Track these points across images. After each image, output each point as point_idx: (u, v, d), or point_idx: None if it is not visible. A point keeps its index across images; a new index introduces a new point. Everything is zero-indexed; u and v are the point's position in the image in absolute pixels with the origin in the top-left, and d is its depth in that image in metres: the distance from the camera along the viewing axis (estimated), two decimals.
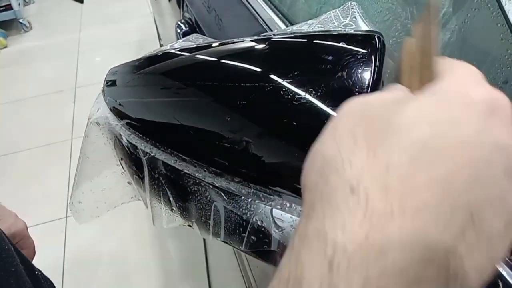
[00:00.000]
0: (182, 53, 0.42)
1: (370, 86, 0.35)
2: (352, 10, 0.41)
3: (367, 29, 0.40)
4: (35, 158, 2.41)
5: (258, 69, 0.38)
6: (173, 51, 0.43)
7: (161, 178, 0.40)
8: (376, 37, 0.37)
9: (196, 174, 0.38)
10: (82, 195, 0.48)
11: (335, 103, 0.35)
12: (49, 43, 3.64)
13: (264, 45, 0.40)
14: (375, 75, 0.36)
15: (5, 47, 3.59)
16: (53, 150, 2.46)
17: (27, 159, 2.41)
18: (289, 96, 0.35)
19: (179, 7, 1.35)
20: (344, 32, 0.39)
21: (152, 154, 0.39)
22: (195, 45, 0.43)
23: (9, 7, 3.66)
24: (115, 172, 0.47)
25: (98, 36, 3.63)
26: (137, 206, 1.67)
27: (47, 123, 2.67)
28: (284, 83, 0.36)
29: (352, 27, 0.41)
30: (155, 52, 0.45)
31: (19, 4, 3.72)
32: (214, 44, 0.42)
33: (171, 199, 0.40)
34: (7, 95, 2.96)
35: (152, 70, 0.43)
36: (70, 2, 4.38)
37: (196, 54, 0.41)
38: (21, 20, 3.74)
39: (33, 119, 2.71)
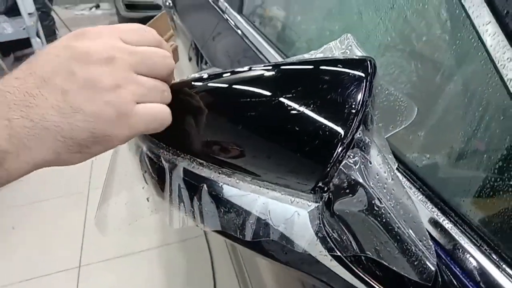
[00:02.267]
0: (199, 83, 0.49)
1: (363, 100, 0.41)
2: (348, 40, 0.48)
3: (361, 54, 0.46)
4: (51, 209, 2.47)
5: (268, 89, 0.44)
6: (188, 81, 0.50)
7: (179, 183, 0.45)
8: (368, 60, 0.43)
9: (211, 176, 0.44)
10: (107, 208, 0.53)
11: (332, 115, 0.41)
12: None
13: (273, 71, 0.47)
14: (367, 91, 0.41)
15: None
16: (70, 201, 2.52)
17: (43, 209, 2.46)
18: (292, 108, 0.41)
19: (198, 65, 1.45)
20: (341, 57, 0.46)
21: (172, 161, 0.46)
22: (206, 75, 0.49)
23: None
24: (138, 186, 0.52)
25: None
26: (152, 254, 1.71)
27: (65, 175, 2.75)
28: (288, 99, 0.42)
29: (348, 54, 0.47)
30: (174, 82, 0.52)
31: None
32: (228, 72, 0.49)
33: (186, 200, 0.45)
34: None
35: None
36: None
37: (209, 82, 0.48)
38: None
39: (51, 172, 2.79)
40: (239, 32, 1.23)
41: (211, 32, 1.42)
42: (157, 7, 4.72)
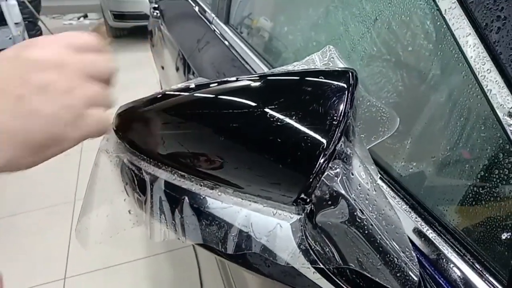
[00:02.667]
0: (181, 93, 0.49)
1: (345, 111, 0.41)
2: (330, 52, 0.48)
3: (343, 66, 0.46)
4: (38, 219, 2.43)
5: (250, 100, 0.44)
6: (170, 92, 0.49)
7: (160, 195, 0.45)
8: (350, 72, 0.44)
9: (192, 189, 0.43)
10: (88, 221, 0.52)
11: (314, 126, 0.41)
12: None
13: (256, 82, 0.47)
14: (348, 102, 0.42)
15: None
16: (56, 212, 2.48)
17: (28, 221, 2.43)
18: (274, 120, 0.41)
19: (185, 75, 1.45)
20: (324, 69, 0.46)
21: (154, 173, 0.45)
22: (193, 85, 0.49)
23: None
24: (119, 198, 0.52)
25: None
26: (138, 266, 1.69)
27: (50, 186, 2.72)
28: (270, 110, 0.42)
29: (330, 65, 0.47)
30: (157, 93, 0.51)
31: None
32: (211, 84, 0.49)
33: (167, 213, 0.44)
34: None
35: (153, 107, 0.49)
36: None
37: (194, 93, 0.48)
38: None
39: (37, 183, 2.76)
40: (226, 42, 1.24)
41: (198, 42, 1.42)
42: (145, 17, 4.73)
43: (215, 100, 0.44)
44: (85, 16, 7.19)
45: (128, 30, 5.66)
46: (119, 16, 5.24)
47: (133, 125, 0.49)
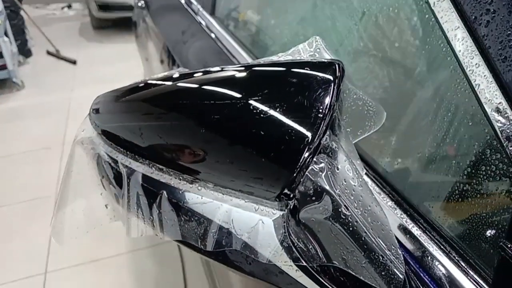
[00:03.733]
0: (161, 83, 0.47)
1: (330, 103, 0.40)
2: (317, 43, 0.46)
3: (330, 58, 0.45)
4: (18, 213, 2.38)
5: (233, 91, 0.42)
6: (150, 81, 0.47)
7: (138, 190, 0.43)
8: (336, 63, 0.42)
9: (171, 183, 0.41)
10: (63, 215, 0.50)
11: (299, 119, 0.39)
12: (41, 102, 3.71)
13: (240, 73, 0.45)
14: (335, 95, 0.40)
15: None
16: (37, 205, 2.44)
17: (10, 214, 2.38)
18: (257, 111, 0.39)
19: (169, 67, 1.43)
20: (309, 60, 0.44)
21: (131, 167, 0.43)
22: (173, 75, 0.47)
23: (3, 67, 3.77)
24: (96, 192, 0.50)
25: (90, 95, 3.69)
26: (121, 260, 1.67)
27: (32, 179, 2.66)
28: (253, 101, 0.40)
29: (316, 57, 0.46)
30: (136, 82, 0.49)
31: (13, 64, 3.83)
32: (194, 73, 0.47)
33: (144, 208, 0.43)
34: None
35: (132, 97, 0.47)
36: (63, 63, 4.53)
37: (175, 83, 0.46)
38: (14, 80, 3.84)
39: (19, 175, 2.71)
40: (211, 34, 1.21)
41: (183, 34, 1.39)
42: (130, 8, 4.66)
43: (196, 90, 0.43)
44: (69, 6, 7.05)
45: (113, 21, 5.56)
46: (104, 6, 5.15)
47: (110, 116, 0.47)
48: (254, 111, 0.39)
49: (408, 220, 0.49)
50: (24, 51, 4.56)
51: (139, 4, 2.22)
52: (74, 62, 4.50)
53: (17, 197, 2.49)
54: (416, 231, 0.48)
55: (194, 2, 1.55)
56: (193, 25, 1.40)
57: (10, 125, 3.35)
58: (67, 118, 3.41)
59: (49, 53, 4.74)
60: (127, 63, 4.39)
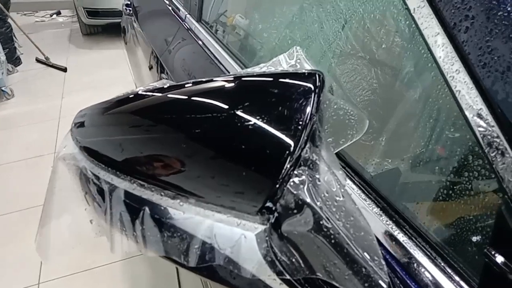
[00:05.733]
0: (141, 96, 0.46)
1: (311, 114, 0.40)
2: (297, 53, 0.46)
3: (310, 68, 0.45)
4: (11, 223, 2.36)
5: (213, 104, 0.42)
6: (129, 95, 0.47)
7: (120, 206, 0.43)
8: (317, 74, 0.42)
9: (153, 199, 0.41)
10: (48, 231, 0.49)
11: (279, 130, 0.39)
12: (31, 110, 3.69)
13: (220, 84, 0.45)
14: (315, 105, 0.40)
15: None
16: (31, 214, 2.42)
17: (3, 224, 2.36)
18: (238, 124, 0.39)
19: (157, 73, 1.42)
20: (290, 71, 0.44)
21: (113, 183, 0.43)
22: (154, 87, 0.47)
23: None
24: (80, 208, 0.49)
25: (81, 102, 3.68)
26: (114, 269, 1.65)
27: (24, 188, 2.64)
28: (233, 113, 0.40)
29: (297, 67, 0.46)
30: (120, 95, 0.49)
31: (2, 73, 3.81)
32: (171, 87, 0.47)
33: (127, 224, 0.42)
34: None
35: (111, 112, 0.47)
36: (54, 71, 4.51)
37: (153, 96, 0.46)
38: (3, 88, 3.81)
39: (10, 184, 2.69)
40: (199, 41, 1.21)
41: (170, 40, 1.39)
42: (119, 14, 4.63)
43: (175, 103, 0.43)
44: (58, 13, 7.02)
45: (102, 27, 5.55)
46: (93, 13, 5.13)
47: (90, 131, 0.46)
48: (234, 123, 0.39)
49: (394, 227, 0.49)
50: (13, 59, 4.53)
51: (127, 11, 2.21)
52: (64, 70, 4.48)
53: (10, 207, 2.47)
54: (401, 237, 0.48)
55: (181, 8, 1.55)
56: (180, 31, 1.39)
57: (1, 134, 3.33)
58: (58, 125, 3.39)
59: (38, 60, 4.71)
60: (117, 69, 4.38)
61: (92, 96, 3.73)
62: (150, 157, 0.42)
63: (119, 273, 2.00)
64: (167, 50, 1.33)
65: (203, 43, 1.17)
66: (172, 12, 1.62)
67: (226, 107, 0.40)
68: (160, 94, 0.44)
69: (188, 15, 1.43)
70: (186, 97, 0.43)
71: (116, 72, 4.30)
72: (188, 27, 1.37)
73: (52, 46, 5.10)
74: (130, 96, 0.46)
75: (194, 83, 0.45)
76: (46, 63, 4.64)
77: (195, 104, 0.42)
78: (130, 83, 3.94)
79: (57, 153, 0.49)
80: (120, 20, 3.50)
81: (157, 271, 1.99)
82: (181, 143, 0.40)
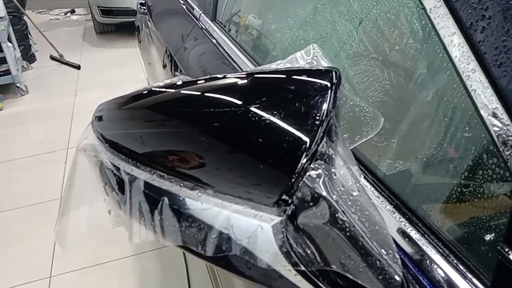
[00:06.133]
0: (162, 91, 0.48)
1: (327, 110, 0.40)
2: (314, 51, 0.47)
3: (326, 65, 0.46)
4: (23, 217, 2.40)
5: (231, 99, 0.43)
6: (151, 89, 0.48)
7: (139, 196, 0.44)
8: (333, 71, 0.43)
9: (172, 189, 0.42)
10: (67, 221, 0.51)
11: (296, 126, 0.40)
12: (44, 107, 3.74)
13: (238, 81, 0.46)
14: (331, 102, 0.41)
15: (0, 109, 3.68)
16: (42, 209, 2.45)
17: (15, 218, 2.39)
18: (255, 119, 0.40)
19: (171, 72, 1.44)
20: (307, 68, 0.45)
21: (133, 174, 0.44)
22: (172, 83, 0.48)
23: (7, 72, 3.80)
24: (99, 198, 0.50)
25: (94, 100, 3.73)
26: (125, 264, 1.67)
27: (37, 183, 2.68)
28: (251, 109, 0.41)
29: (314, 64, 0.47)
30: (138, 90, 0.50)
31: (17, 70, 3.86)
32: (187, 83, 0.48)
33: (146, 214, 0.43)
34: None
35: (134, 105, 0.48)
36: (67, 68, 4.56)
37: (175, 91, 0.47)
38: (18, 85, 3.87)
39: (23, 179, 2.73)
40: (212, 40, 1.22)
41: (185, 39, 1.40)
42: (133, 13, 4.68)
43: (195, 98, 0.44)
44: (72, 12, 7.10)
45: (116, 26, 5.60)
46: (107, 11, 5.18)
47: (112, 123, 0.48)
48: (252, 118, 0.40)
49: (407, 224, 0.49)
50: (28, 56, 4.60)
51: (141, 10, 2.23)
52: (78, 67, 4.53)
53: (22, 201, 2.51)
54: (414, 234, 0.48)
55: (196, 7, 1.56)
56: (195, 30, 1.41)
57: (14, 130, 3.38)
58: (71, 122, 3.44)
59: (52, 58, 4.77)
60: (129, 67, 4.42)
61: (105, 94, 3.76)
62: (170, 150, 0.43)
63: (130, 268, 2.02)
64: (181, 49, 1.35)
65: (217, 42, 1.18)
66: (186, 11, 1.64)
67: (245, 102, 0.41)
68: (180, 90, 0.45)
69: (202, 14, 1.45)
70: (206, 92, 0.44)
71: (128, 70, 4.34)
72: (203, 26, 1.38)
73: (66, 44, 5.16)
74: (150, 91, 0.47)
75: (213, 79, 0.46)
76: (60, 60, 4.70)
77: (215, 99, 0.43)
78: (142, 81, 3.98)
79: (78, 145, 0.50)
80: (133, 19, 3.53)
81: (167, 267, 2.01)
82: (201, 136, 0.41)
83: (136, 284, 1.93)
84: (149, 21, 2.05)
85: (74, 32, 6.02)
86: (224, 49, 1.10)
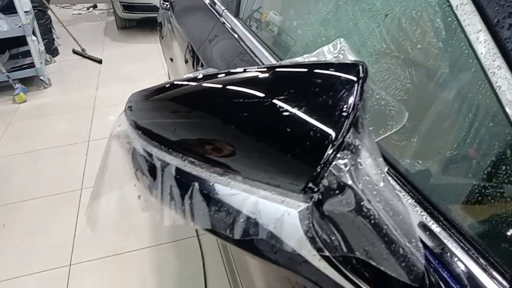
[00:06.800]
0: (193, 82, 0.49)
1: (354, 103, 0.41)
2: (341, 45, 0.48)
3: (353, 59, 0.47)
4: (44, 207, 2.46)
5: (260, 91, 0.44)
6: (182, 81, 0.50)
7: (171, 182, 0.46)
8: (360, 65, 0.44)
9: (202, 175, 0.44)
10: (98, 206, 0.53)
11: (323, 118, 0.41)
12: (67, 100, 3.82)
13: (266, 73, 0.47)
14: (358, 95, 0.42)
15: (24, 101, 3.77)
16: (63, 199, 2.51)
17: (37, 207, 2.45)
18: (284, 110, 0.41)
19: (193, 67, 1.46)
20: (333, 61, 0.46)
21: (164, 160, 0.46)
22: (201, 75, 0.50)
23: (31, 65, 3.89)
24: (129, 184, 0.53)
25: (114, 93, 3.81)
26: (143, 255, 1.71)
27: (58, 173, 2.74)
28: (280, 100, 0.42)
29: (340, 58, 0.48)
30: (170, 81, 0.52)
31: (41, 63, 3.95)
32: (220, 74, 0.49)
33: (177, 198, 0.45)
34: (20, 147, 3.07)
35: (167, 95, 0.50)
36: (89, 62, 4.64)
37: (205, 82, 0.49)
38: (41, 77, 3.96)
39: (44, 170, 2.79)
40: (235, 35, 1.24)
41: (208, 35, 1.42)
42: (154, 9, 4.73)
43: (227, 89, 0.45)
44: (95, 7, 7.21)
45: (137, 21, 5.68)
46: (129, 7, 5.25)
47: (145, 112, 0.50)
48: (281, 109, 0.41)
49: (428, 217, 0.50)
50: (51, 50, 4.69)
51: (164, 5, 2.26)
52: (99, 61, 4.60)
53: (44, 191, 2.57)
54: (435, 228, 0.49)
55: (218, 3, 1.58)
56: (218, 26, 1.43)
57: (37, 122, 3.46)
58: (92, 115, 3.50)
59: (75, 52, 4.86)
60: (149, 62, 4.47)
61: (126, 88, 3.83)
62: (202, 138, 0.45)
63: (147, 259, 2.06)
64: (204, 44, 1.37)
65: (240, 37, 1.19)
66: (209, 7, 1.66)
67: (275, 94, 0.42)
68: (212, 81, 0.47)
69: (225, 10, 1.46)
70: (237, 84, 0.45)
71: (148, 65, 4.40)
72: (226, 22, 1.40)
73: (88, 39, 5.25)
74: (183, 81, 0.48)
75: (244, 71, 0.47)
76: (82, 54, 4.79)
77: (245, 90, 0.44)
78: (162, 76, 4.02)
79: (111, 132, 0.52)
80: (154, 15, 3.57)
81: (184, 259, 2.04)
82: (232, 125, 0.43)
83: (154, 275, 1.97)
84: (172, 16, 2.08)
85: (96, 27, 6.12)
86: (247, 45, 1.11)
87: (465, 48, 0.51)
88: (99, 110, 3.59)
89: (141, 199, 0.52)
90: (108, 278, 1.96)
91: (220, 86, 0.46)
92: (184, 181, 0.47)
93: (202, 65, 1.32)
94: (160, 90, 0.52)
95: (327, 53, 0.49)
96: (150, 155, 0.48)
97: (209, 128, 0.45)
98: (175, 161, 0.47)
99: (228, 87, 0.46)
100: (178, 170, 0.47)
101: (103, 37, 5.60)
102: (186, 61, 1.66)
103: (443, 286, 0.43)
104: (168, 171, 0.47)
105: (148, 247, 2.12)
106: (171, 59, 2.25)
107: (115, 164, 0.53)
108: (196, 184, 0.46)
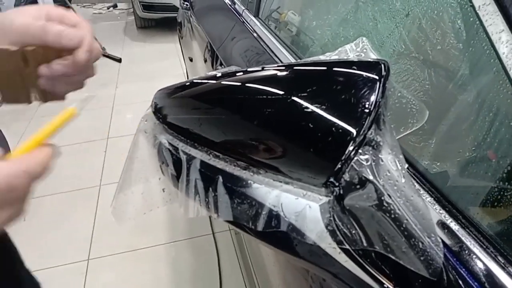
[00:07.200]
0: (220, 80, 0.51)
1: (376, 101, 0.42)
2: (363, 43, 0.49)
3: (376, 57, 0.48)
4: (62, 203, 2.51)
5: (284, 88, 0.46)
6: (209, 79, 0.52)
7: (196, 175, 0.47)
8: (382, 63, 0.45)
9: (226, 169, 0.46)
10: (123, 197, 0.55)
11: (345, 114, 0.42)
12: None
13: (290, 70, 0.48)
14: (380, 93, 0.43)
15: None
16: (81, 195, 2.56)
17: (55, 203, 2.50)
18: (307, 106, 0.42)
19: (213, 67, 1.48)
20: (356, 60, 0.47)
21: (190, 153, 0.48)
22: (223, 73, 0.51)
23: None
24: (154, 177, 0.55)
25: (133, 92, 3.86)
26: (159, 251, 1.73)
27: (77, 170, 2.79)
28: (303, 97, 0.43)
29: (362, 56, 0.49)
30: (195, 78, 0.54)
31: None
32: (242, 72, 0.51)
33: (201, 191, 0.47)
34: None
35: (193, 92, 0.52)
36: (109, 61, 4.71)
37: (221, 81, 0.50)
38: None
39: (64, 166, 2.84)
40: (255, 35, 1.25)
41: (227, 34, 1.44)
42: (173, 9, 4.78)
43: (251, 87, 0.47)
44: (115, 6, 7.31)
45: (156, 21, 5.74)
46: (148, 7, 5.31)
47: (171, 108, 0.51)
48: (304, 106, 0.43)
49: (447, 215, 0.50)
50: None
51: (184, 5, 2.29)
52: (119, 60, 4.67)
53: (64, 187, 2.62)
54: (454, 226, 0.49)
55: (238, 3, 1.60)
56: (238, 25, 1.44)
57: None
58: (111, 113, 3.55)
59: None
60: (168, 62, 4.52)
61: (145, 87, 3.89)
62: (226, 133, 0.47)
63: (163, 255, 2.08)
64: (224, 43, 1.39)
65: (260, 37, 1.21)
66: (229, 6, 1.67)
67: (298, 91, 0.44)
68: (237, 79, 0.48)
69: (245, 10, 1.48)
70: (261, 82, 0.47)
71: (167, 65, 4.44)
72: (245, 21, 1.41)
73: (108, 38, 5.33)
74: (208, 79, 0.50)
75: (267, 70, 0.48)
76: (102, 53, 4.84)
77: (269, 87, 0.45)
78: (180, 75, 4.06)
79: (138, 126, 0.54)
80: (173, 14, 3.60)
81: (199, 256, 2.06)
82: (256, 121, 0.44)
83: (169, 271, 1.99)
84: (192, 16, 2.11)
85: (115, 26, 6.20)
86: (267, 45, 1.13)
87: (487, 48, 0.51)
88: (118, 109, 3.64)
89: (165, 192, 0.54)
90: (124, 273, 2.00)
91: (243, 83, 0.48)
92: (208, 174, 0.48)
93: (221, 64, 1.34)
94: (189, 85, 0.53)
95: (350, 51, 0.50)
96: (176, 149, 0.50)
97: (235, 123, 0.46)
98: (200, 155, 0.48)
99: (251, 84, 0.48)
100: (203, 163, 0.48)
101: (123, 37, 5.68)
102: (205, 60, 1.68)
103: (461, 283, 0.44)
104: (194, 164, 0.48)
105: (164, 244, 2.15)
106: (191, 59, 2.27)
107: (141, 157, 0.54)
108: (220, 177, 0.47)
